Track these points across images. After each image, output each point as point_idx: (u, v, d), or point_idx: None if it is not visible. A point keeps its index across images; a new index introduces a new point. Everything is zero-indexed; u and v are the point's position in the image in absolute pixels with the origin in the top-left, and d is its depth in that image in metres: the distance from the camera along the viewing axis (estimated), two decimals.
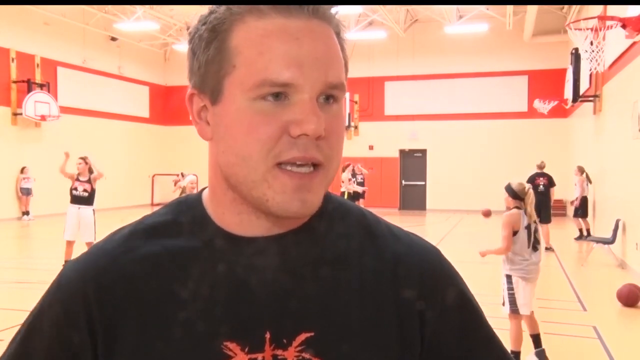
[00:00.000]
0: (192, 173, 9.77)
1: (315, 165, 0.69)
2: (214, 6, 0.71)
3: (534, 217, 4.68)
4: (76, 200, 8.10)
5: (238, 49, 0.68)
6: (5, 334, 5.43)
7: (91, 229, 8.07)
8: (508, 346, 4.61)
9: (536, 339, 4.74)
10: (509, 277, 4.63)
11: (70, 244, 8.08)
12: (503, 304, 4.73)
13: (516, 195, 4.65)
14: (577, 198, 12.29)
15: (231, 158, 0.70)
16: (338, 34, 0.72)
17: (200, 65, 0.71)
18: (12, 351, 0.77)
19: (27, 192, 16.31)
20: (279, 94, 0.67)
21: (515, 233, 4.57)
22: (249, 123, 0.67)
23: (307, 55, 0.67)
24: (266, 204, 0.69)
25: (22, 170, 16.24)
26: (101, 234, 0.88)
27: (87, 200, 8.12)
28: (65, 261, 7.62)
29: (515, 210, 4.64)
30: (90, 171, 8.21)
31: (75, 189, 8.12)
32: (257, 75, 0.66)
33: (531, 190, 4.69)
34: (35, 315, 0.77)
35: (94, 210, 8.16)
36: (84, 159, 8.30)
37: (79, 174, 8.18)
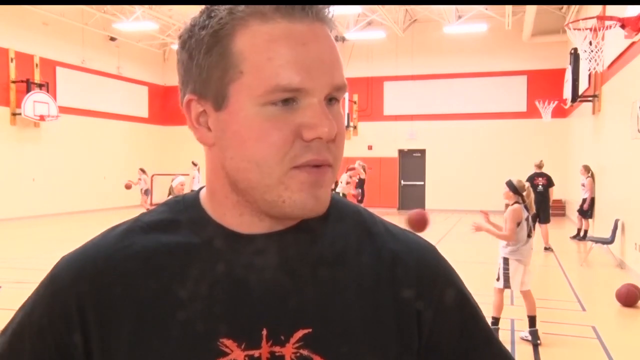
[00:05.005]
0: (183, 174, 9.63)
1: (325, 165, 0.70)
2: (210, 8, 0.70)
3: (533, 210, 5.29)
4: None
5: (243, 55, 0.68)
6: None
7: None
8: (491, 313, 5.15)
9: (532, 320, 5.20)
10: (506, 259, 5.21)
11: None
12: (497, 280, 5.25)
13: (517, 190, 5.23)
14: (585, 200, 11.90)
15: (242, 164, 0.69)
16: (335, 36, 0.73)
17: (202, 71, 0.70)
18: (0, 346, 0.76)
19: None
20: (289, 99, 0.67)
21: (518, 224, 5.16)
22: (260, 129, 0.67)
23: (314, 59, 0.68)
24: (282, 205, 0.70)
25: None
26: None
27: None
28: None
29: (517, 205, 5.19)
30: None
31: None
32: (267, 81, 0.66)
33: (530, 187, 5.34)
34: (26, 310, 0.76)
35: None
36: None
37: None
